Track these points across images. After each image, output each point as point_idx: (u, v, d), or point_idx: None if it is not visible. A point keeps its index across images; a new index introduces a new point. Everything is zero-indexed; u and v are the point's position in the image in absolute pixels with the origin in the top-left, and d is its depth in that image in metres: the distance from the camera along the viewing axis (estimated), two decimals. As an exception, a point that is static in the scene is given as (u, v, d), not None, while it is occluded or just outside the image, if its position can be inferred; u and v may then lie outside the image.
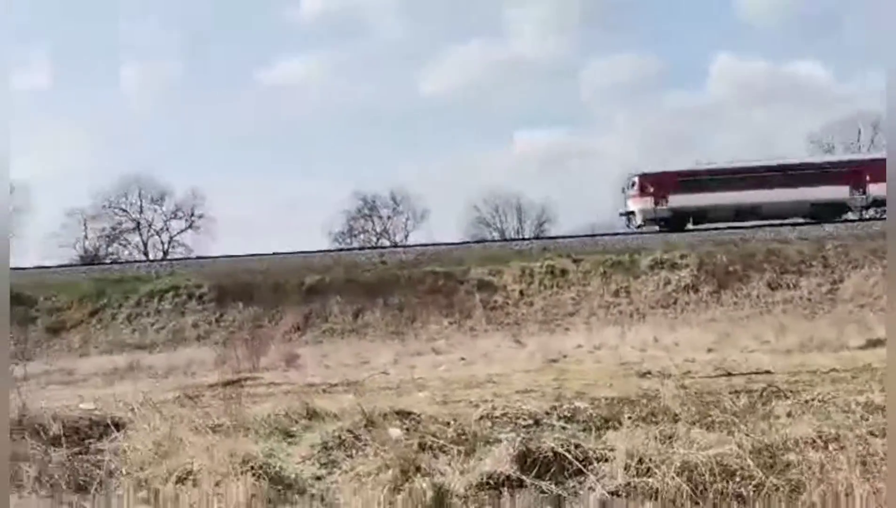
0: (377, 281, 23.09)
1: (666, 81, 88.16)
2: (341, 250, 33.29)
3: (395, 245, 34.99)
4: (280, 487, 5.39)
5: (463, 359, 16.70)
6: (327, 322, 21.74)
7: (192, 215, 54.91)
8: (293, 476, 5.72)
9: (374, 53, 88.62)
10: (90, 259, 47.79)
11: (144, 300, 23.58)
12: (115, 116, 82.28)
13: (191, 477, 5.50)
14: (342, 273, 23.43)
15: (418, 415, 7.41)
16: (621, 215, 36.47)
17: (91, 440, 7.29)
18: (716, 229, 30.28)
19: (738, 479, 5.16)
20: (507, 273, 23.65)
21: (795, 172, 31.75)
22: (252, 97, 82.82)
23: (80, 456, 6.49)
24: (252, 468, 5.38)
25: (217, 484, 5.16)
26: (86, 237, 52.94)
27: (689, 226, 32.38)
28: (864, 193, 30.94)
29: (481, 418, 7.01)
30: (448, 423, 6.81)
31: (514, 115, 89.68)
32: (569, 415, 7.07)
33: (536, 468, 5.44)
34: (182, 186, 56.59)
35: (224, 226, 63.36)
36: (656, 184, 32.77)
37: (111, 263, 39.98)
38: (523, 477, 5.32)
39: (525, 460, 5.50)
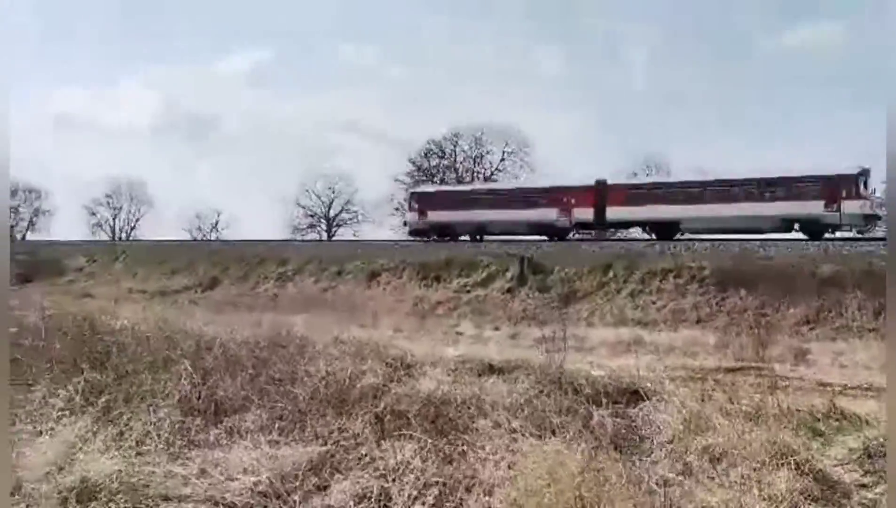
0: (907, 276, 20.14)
1: None
2: (856, 239, 29.96)
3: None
4: (823, 486, 5.09)
5: None
6: (842, 318, 19.66)
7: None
8: (834, 477, 5.35)
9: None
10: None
11: (647, 278, 24.29)
12: (621, 101, 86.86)
13: (725, 458, 5.51)
14: (862, 264, 20.98)
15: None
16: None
17: (619, 405, 7.83)
18: None
19: None
20: None
21: (515, 195, 36.83)
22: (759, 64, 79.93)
23: (613, 418, 7.01)
24: (795, 462, 5.17)
25: (755, 470, 5.07)
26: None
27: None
28: (569, 216, 34.12)
29: None
30: None
31: None
32: None
33: None
34: (678, 168, 57.16)
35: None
36: (420, 200, 38.40)
37: (615, 239, 42.23)
38: None
39: None
